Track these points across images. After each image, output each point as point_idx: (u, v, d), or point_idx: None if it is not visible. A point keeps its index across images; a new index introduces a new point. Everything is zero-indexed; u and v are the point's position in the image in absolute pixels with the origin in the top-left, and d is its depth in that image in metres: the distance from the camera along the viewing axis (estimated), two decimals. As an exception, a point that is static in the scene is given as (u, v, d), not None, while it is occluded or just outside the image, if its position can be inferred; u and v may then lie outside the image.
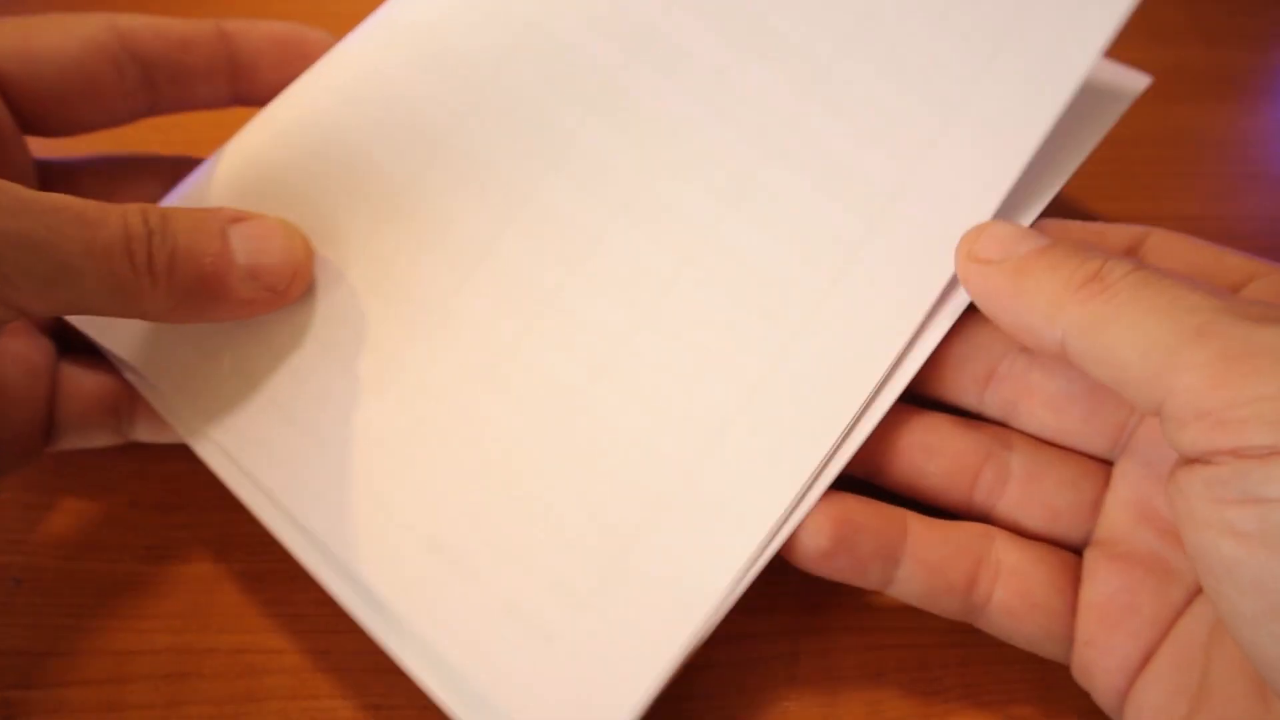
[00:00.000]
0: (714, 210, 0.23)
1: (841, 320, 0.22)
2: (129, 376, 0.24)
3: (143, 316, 0.20)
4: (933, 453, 0.23)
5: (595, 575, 0.21)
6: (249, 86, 0.24)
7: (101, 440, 0.24)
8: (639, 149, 0.23)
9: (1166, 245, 0.23)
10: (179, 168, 0.25)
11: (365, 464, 0.22)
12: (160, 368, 0.23)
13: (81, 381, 0.24)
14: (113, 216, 0.19)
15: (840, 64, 0.23)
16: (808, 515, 0.21)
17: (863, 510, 0.22)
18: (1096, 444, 0.22)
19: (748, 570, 0.21)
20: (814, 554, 0.21)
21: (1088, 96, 0.22)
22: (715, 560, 0.21)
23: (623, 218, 0.23)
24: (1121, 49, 0.23)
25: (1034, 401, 0.23)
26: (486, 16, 0.24)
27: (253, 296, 0.21)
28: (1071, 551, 0.22)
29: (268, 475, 0.22)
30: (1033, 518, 0.22)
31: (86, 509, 0.25)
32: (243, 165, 0.24)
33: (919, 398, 0.23)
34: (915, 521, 0.22)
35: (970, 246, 0.21)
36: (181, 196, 0.24)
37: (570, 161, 0.23)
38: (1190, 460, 0.17)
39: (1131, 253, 0.23)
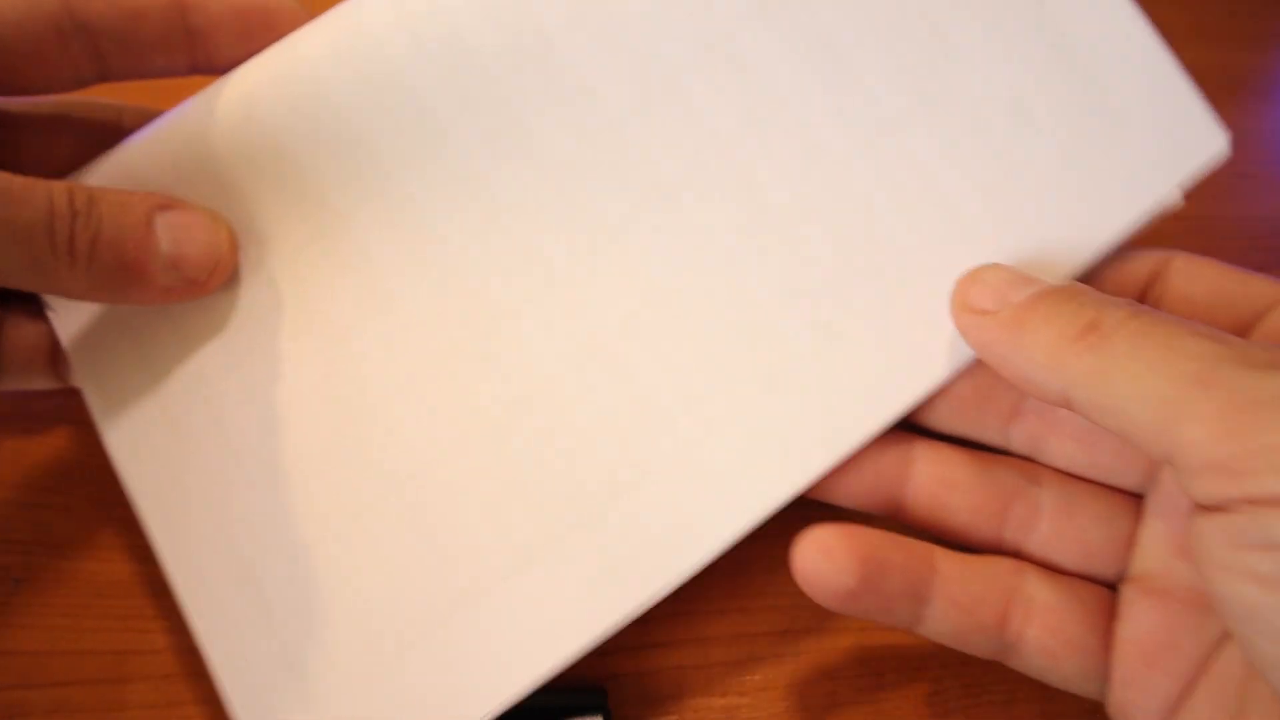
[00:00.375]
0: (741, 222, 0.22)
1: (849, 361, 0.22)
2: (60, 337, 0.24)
3: (59, 294, 0.21)
4: (957, 488, 0.22)
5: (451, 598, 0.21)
6: (208, 57, 0.24)
7: (41, 383, 0.24)
8: (613, 160, 0.23)
9: (1190, 270, 0.22)
10: (124, 116, 0.25)
11: (224, 487, 0.22)
12: (80, 342, 0.23)
13: (21, 327, 0.24)
14: (37, 195, 0.19)
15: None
16: (832, 550, 0.20)
17: (889, 546, 0.21)
18: (1128, 478, 0.22)
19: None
20: (840, 593, 0.20)
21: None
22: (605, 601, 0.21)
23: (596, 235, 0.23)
24: (1121, 49, 0.23)
25: (1062, 437, 0.22)
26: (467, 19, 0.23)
27: (171, 285, 0.21)
28: (1106, 587, 0.22)
29: (134, 476, 0.22)
30: (1066, 554, 0.22)
31: (86, 509, 0.25)
32: (184, 142, 0.23)
33: (941, 435, 0.23)
34: (943, 557, 0.21)
35: (964, 294, 0.21)
36: (117, 163, 0.23)
37: (516, 178, 0.23)
38: (1206, 508, 0.17)
39: (1154, 279, 0.23)
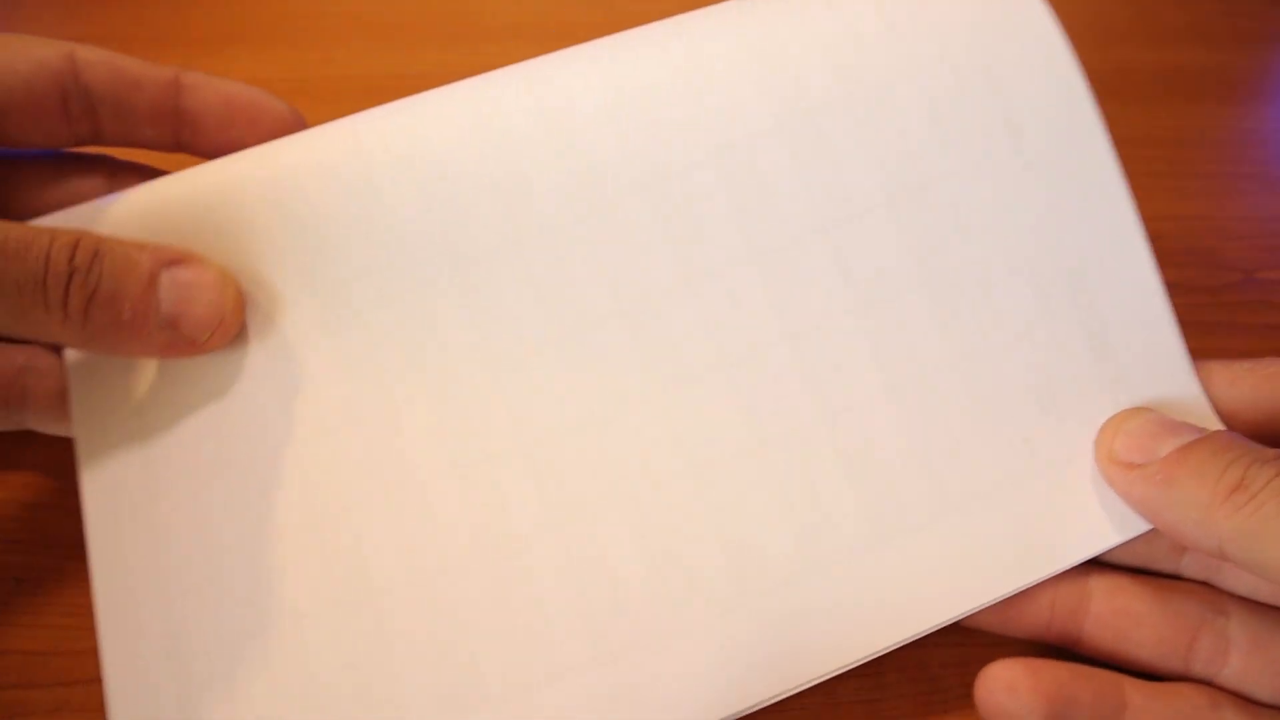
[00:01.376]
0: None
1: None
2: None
3: (49, 341, 0.20)
4: (1138, 620, 0.21)
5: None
6: (193, 137, 0.24)
7: (62, 428, 0.24)
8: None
9: None
10: (124, 168, 0.25)
11: (185, 551, 0.21)
12: (83, 383, 0.23)
13: (45, 371, 0.24)
14: (35, 250, 0.19)
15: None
16: (1017, 688, 0.20)
17: (1075, 681, 0.20)
18: None
19: None
20: None
21: None
22: None
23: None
24: (1120, 49, 0.23)
25: (1238, 570, 0.22)
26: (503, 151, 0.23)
27: (169, 343, 0.21)
28: None
29: (98, 525, 0.22)
30: (1263, 688, 0.21)
31: (86, 509, 0.25)
32: (220, 192, 0.23)
33: (1112, 564, 0.22)
34: (1133, 688, 0.21)
35: (1109, 447, 0.21)
36: (127, 201, 0.23)
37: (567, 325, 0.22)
38: None
39: None
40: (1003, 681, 0.20)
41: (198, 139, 0.24)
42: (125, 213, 0.23)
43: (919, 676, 0.24)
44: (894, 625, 0.21)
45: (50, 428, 0.24)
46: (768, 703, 0.21)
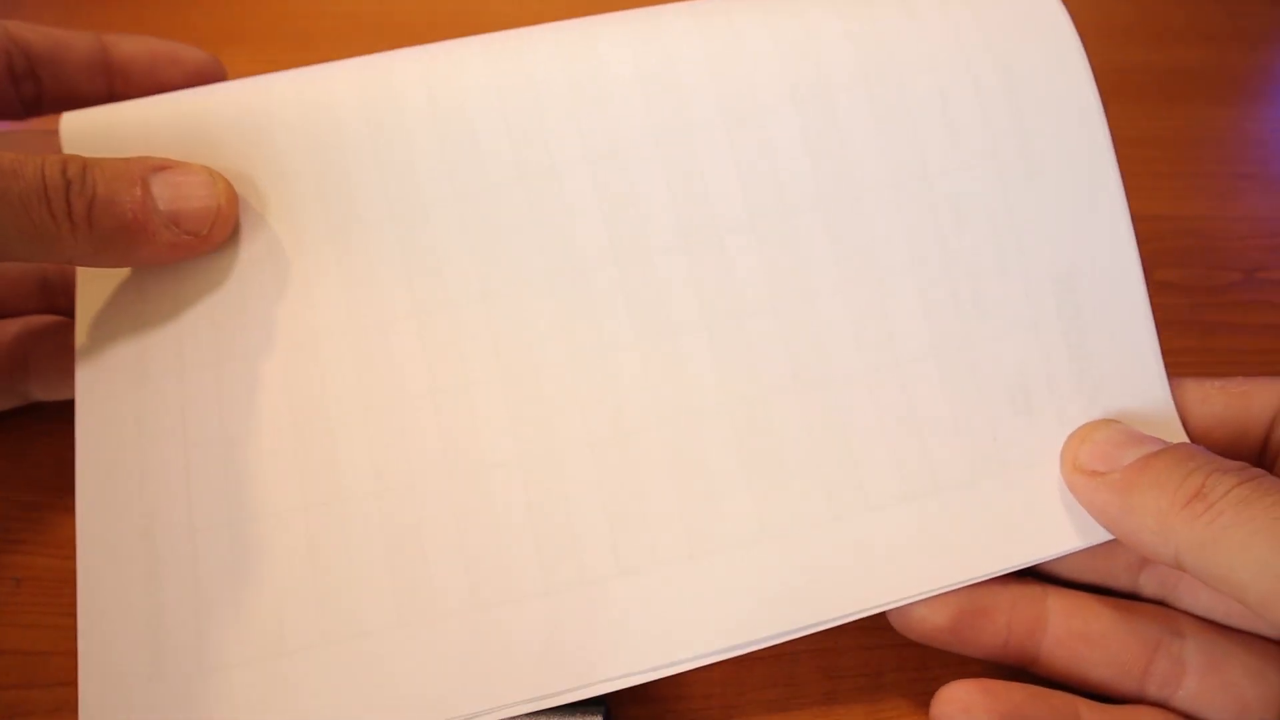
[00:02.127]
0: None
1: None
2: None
3: (66, 262, 0.21)
4: (1095, 641, 0.21)
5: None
6: (125, 87, 0.26)
7: (2, 403, 0.26)
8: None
9: None
10: None
11: (170, 448, 0.22)
12: (90, 287, 0.23)
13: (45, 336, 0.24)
14: (29, 168, 0.20)
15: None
16: (972, 710, 0.20)
17: (1031, 703, 0.21)
18: (1270, 629, 0.22)
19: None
20: None
21: None
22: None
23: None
24: (1122, 49, 0.23)
25: (1195, 585, 0.22)
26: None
27: (175, 240, 0.22)
28: None
29: (81, 434, 0.22)
30: (1217, 710, 0.21)
31: (86, 509, 0.25)
32: (206, 113, 0.24)
33: (1068, 582, 0.23)
34: (1087, 710, 0.21)
35: (1074, 454, 0.21)
36: (117, 118, 0.24)
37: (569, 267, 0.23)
38: None
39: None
40: (958, 703, 0.21)
41: (130, 88, 0.26)
42: (100, 134, 0.24)
43: (919, 676, 0.24)
44: (837, 602, 0.22)
45: (53, 392, 0.26)
46: (711, 657, 0.21)
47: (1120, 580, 0.23)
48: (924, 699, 0.24)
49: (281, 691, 0.21)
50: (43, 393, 0.26)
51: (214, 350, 0.22)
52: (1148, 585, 0.23)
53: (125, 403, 0.22)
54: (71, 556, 0.25)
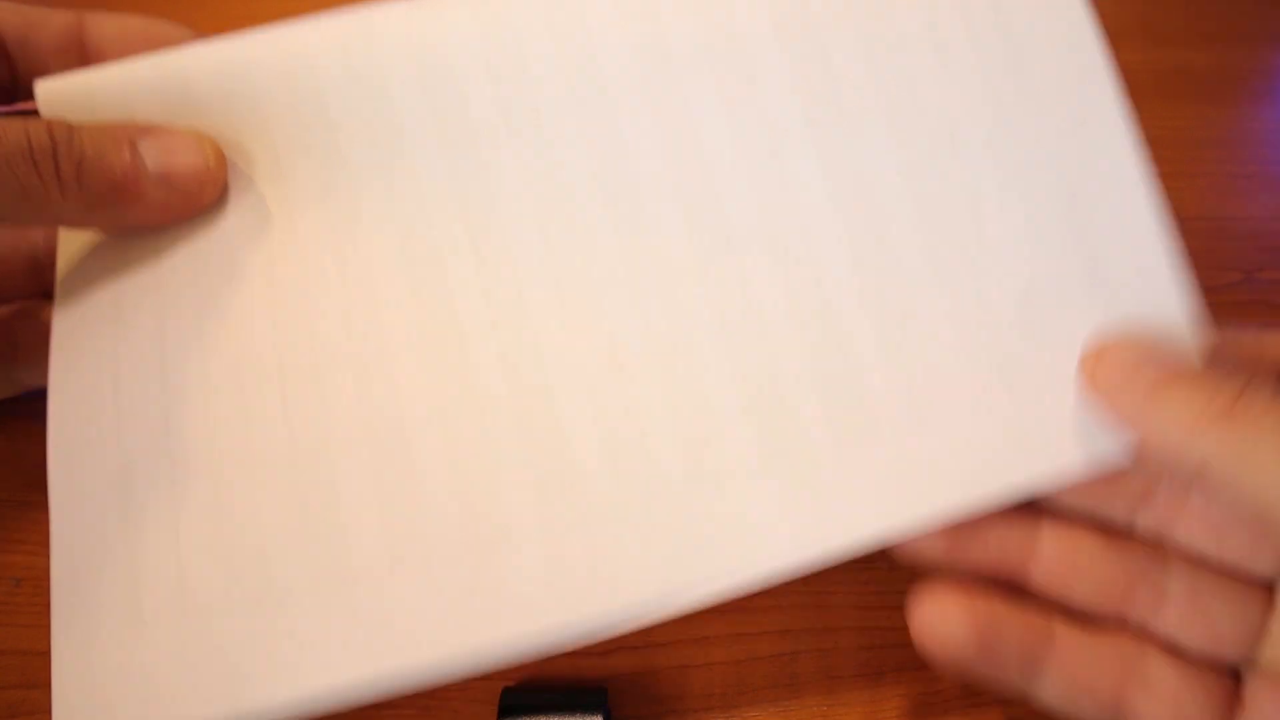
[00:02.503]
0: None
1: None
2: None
3: (57, 223, 0.21)
4: (1081, 574, 0.22)
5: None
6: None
7: None
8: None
9: None
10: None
11: (143, 388, 0.22)
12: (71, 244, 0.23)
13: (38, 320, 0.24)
14: (12, 131, 0.20)
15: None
16: (950, 616, 0.21)
17: (1008, 614, 0.21)
18: (1259, 566, 0.22)
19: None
20: (953, 658, 0.21)
21: None
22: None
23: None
24: (1122, 49, 0.23)
25: (1191, 522, 0.22)
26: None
27: (166, 200, 0.22)
28: (1231, 673, 0.21)
29: (55, 379, 0.22)
30: (1193, 638, 0.21)
31: (86, 509, 0.25)
32: (182, 76, 0.23)
33: (1065, 509, 0.23)
34: (1063, 630, 0.21)
35: (1092, 374, 0.21)
36: (86, 90, 0.23)
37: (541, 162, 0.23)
38: None
39: None
40: (938, 608, 0.21)
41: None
42: (79, 99, 0.23)
43: (919, 676, 0.24)
44: (850, 529, 0.21)
45: (44, 378, 0.24)
46: (702, 601, 0.21)
47: (1117, 514, 0.23)
48: (924, 699, 0.24)
49: (267, 636, 0.20)
50: (33, 378, 0.26)
51: (195, 296, 0.22)
52: (1144, 522, 0.22)
53: (103, 349, 0.22)
54: (71, 556, 0.25)
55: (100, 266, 0.23)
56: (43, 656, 0.24)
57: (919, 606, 0.21)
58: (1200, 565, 0.22)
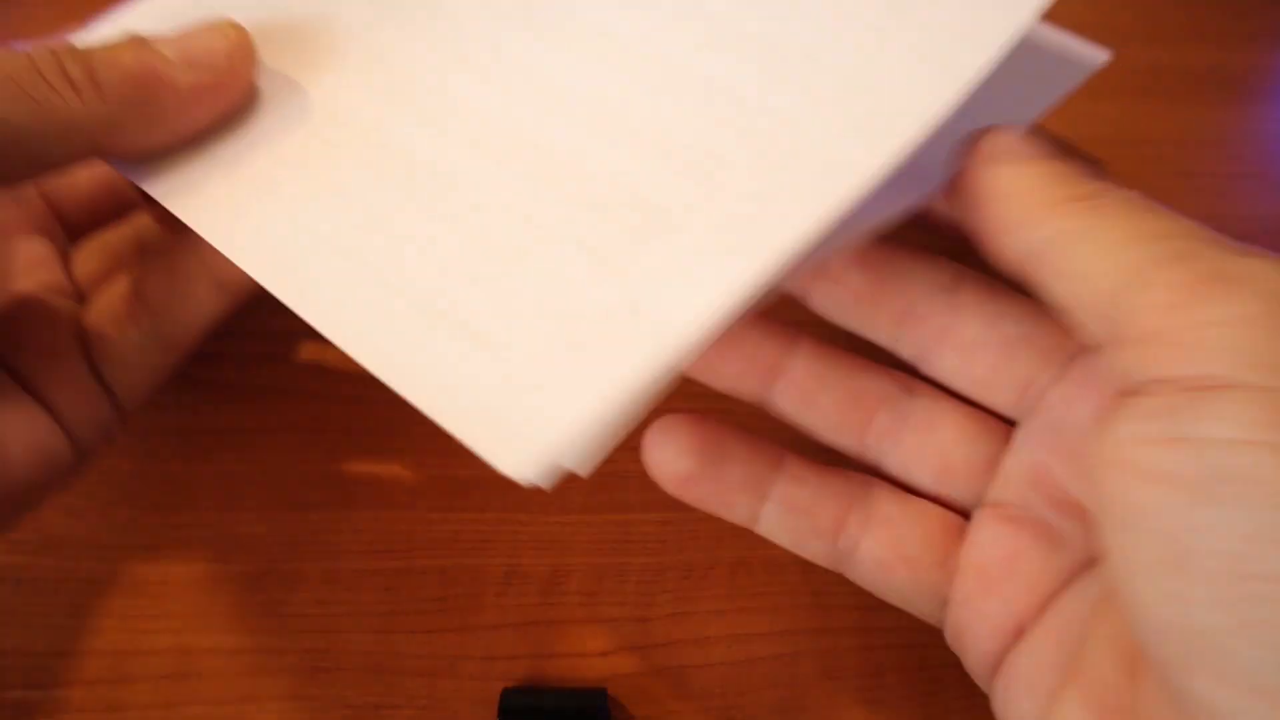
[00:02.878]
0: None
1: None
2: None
3: (89, 139, 0.19)
4: (827, 385, 0.22)
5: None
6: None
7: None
8: None
9: None
10: None
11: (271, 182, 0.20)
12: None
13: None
14: (8, 53, 0.19)
15: None
16: (676, 435, 0.20)
17: (736, 439, 0.21)
18: (1002, 398, 0.21)
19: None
20: (678, 477, 0.21)
21: (1039, 62, 0.21)
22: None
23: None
24: (1122, 49, 0.23)
25: (945, 345, 0.22)
26: None
27: (197, 81, 0.20)
28: (961, 515, 0.21)
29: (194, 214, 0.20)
30: (924, 471, 0.21)
31: (86, 509, 0.25)
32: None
33: (830, 326, 0.22)
34: (793, 460, 0.21)
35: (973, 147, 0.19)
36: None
37: None
38: (1125, 393, 0.16)
39: None
40: (665, 428, 0.21)
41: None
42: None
43: (919, 677, 0.24)
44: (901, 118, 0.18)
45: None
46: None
47: (881, 333, 0.22)
48: (924, 699, 0.24)
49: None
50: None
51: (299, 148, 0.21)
52: (905, 345, 0.22)
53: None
54: (72, 557, 0.25)
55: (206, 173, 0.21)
56: (43, 657, 0.24)
57: (649, 430, 0.21)
58: (945, 397, 0.22)
